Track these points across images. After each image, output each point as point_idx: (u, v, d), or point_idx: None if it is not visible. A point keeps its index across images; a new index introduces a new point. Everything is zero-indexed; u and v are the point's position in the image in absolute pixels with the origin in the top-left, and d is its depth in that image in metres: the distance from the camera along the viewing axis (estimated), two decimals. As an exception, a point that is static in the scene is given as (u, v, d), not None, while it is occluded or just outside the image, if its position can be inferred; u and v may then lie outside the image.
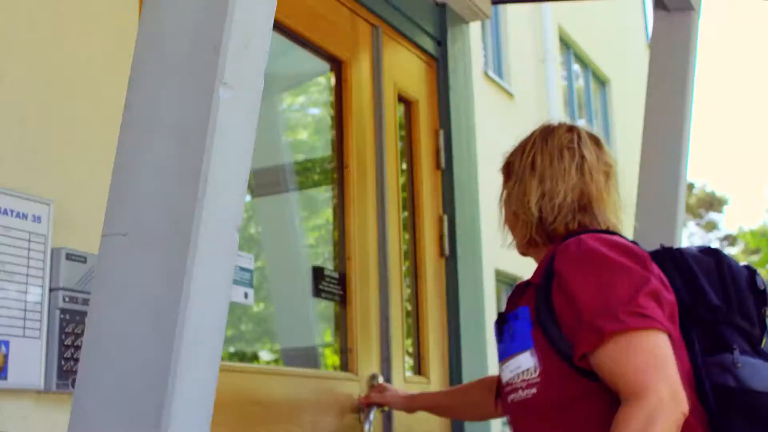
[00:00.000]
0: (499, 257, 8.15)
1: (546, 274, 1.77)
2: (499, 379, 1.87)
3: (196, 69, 1.28)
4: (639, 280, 1.66)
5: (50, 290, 1.82)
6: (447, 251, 3.32)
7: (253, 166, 1.34)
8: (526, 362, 1.74)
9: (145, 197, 1.28)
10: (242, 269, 2.44)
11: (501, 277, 8.38)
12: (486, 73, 8.63)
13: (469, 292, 3.37)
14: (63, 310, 1.83)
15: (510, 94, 9.11)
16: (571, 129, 1.94)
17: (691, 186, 24.89)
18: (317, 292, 2.77)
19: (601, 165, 1.91)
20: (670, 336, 1.64)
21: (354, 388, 2.76)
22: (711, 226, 26.42)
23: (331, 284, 2.82)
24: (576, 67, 11.53)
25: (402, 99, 3.29)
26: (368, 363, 2.85)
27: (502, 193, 1.99)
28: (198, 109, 1.26)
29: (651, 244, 2.07)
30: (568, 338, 1.68)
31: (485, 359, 3.45)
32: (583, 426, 1.69)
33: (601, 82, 12.18)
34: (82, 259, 1.88)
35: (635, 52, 12.51)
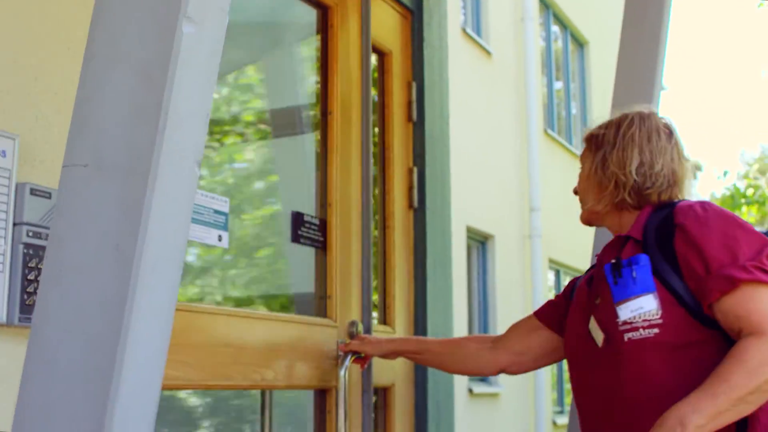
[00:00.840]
0: (471, 215, 8.20)
1: (656, 231, 1.97)
2: (604, 318, 1.98)
3: (159, 3, 1.28)
4: (760, 241, 1.89)
5: (14, 225, 1.83)
6: (416, 203, 3.34)
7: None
8: (648, 304, 1.91)
9: (106, 129, 1.29)
10: (216, 212, 2.43)
11: (472, 234, 8.43)
12: (464, 31, 8.61)
13: (437, 244, 3.40)
14: (26, 245, 1.83)
15: (488, 53, 9.10)
16: (664, 118, 2.16)
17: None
18: (296, 238, 2.77)
19: (685, 154, 2.15)
20: None
21: (332, 334, 2.78)
22: (684, 192, 26.58)
23: (311, 230, 2.82)
24: (555, 28, 11.51)
25: (376, 50, 3.29)
26: (347, 310, 2.88)
27: (590, 162, 2.14)
28: (161, 43, 1.27)
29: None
30: (692, 287, 1.89)
31: (450, 311, 3.49)
32: (696, 367, 1.86)
33: (580, 43, 12.17)
34: (46, 194, 1.88)
35: (614, 14, 12.49)
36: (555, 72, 11.47)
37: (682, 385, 1.85)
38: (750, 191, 9.06)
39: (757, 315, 1.80)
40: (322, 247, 2.86)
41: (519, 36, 9.87)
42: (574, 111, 12.01)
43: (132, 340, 1.23)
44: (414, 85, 3.43)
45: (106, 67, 1.31)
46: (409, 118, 3.40)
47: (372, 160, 3.02)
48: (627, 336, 1.93)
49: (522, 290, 9.33)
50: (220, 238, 2.46)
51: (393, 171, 3.27)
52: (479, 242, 8.73)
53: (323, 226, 2.86)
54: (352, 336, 2.80)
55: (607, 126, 2.15)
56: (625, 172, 2.05)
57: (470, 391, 7.97)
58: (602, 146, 2.12)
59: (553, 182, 10.02)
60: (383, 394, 3.11)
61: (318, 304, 2.89)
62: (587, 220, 2.19)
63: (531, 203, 9.64)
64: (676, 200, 2.07)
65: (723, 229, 1.91)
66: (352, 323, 2.83)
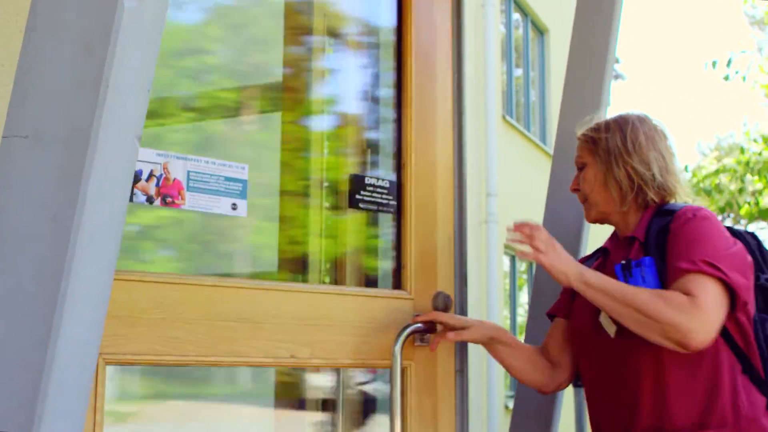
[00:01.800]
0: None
1: (656, 232, 2.11)
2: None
3: (102, -24, 1.29)
4: (726, 245, 2.04)
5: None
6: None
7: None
8: None
9: (46, 101, 1.30)
10: (228, 179, 2.28)
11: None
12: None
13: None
14: (-31, 217, 1.83)
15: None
16: (655, 120, 2.27)
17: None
18: (354, 203, 2.47)
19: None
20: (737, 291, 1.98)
21: (405, 308, 2.42)
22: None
23: (377, 193, 2.51)
24: (516, 15, 11.56)
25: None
26: (428, 282, 2.50)
27: (601, 165, 2.22)
28: (102, 16, 1.28)
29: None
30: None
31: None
32: (700, 357, 2.00)
33: (540, 31, 12.24)
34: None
35: (574, 3, 12.56)
36: (515, 59, 11.53)
37: (688, 374, 2.01)
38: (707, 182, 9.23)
39: (694, 289, 1.95)
40: (394, 211, 2.53)
41: (479, 22, 9.91)
42: (533, 98, 12.09)
43: (68, 311, 1.24)
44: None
45: (47, 39, 1.32)
46: (366, 99, 3.41)
47: (465, 113, 2.68)
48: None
49: (477, 275, 9.41)
50: (234, 207, 2.27)
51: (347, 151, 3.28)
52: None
53: (396, 189, 2.52)
54: (436, 309, 2.42)
55: (606, 129, 2.24)
56: (651, 174, 2.16)
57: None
58: (613, 150, 2.20)
59: (511, 168, 10.09)
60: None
61: (387, 276, 2.63)
62: (596, 219, 2.29)
63: (488, 189, 9.71)
64: (677, 203, 2.20)
65: (697, 230, 2.05)
66: (439, 296, 2.44)
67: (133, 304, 1.84)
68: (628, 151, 2.18)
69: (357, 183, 2.48)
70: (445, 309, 2.42)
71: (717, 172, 9.44)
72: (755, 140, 9.30)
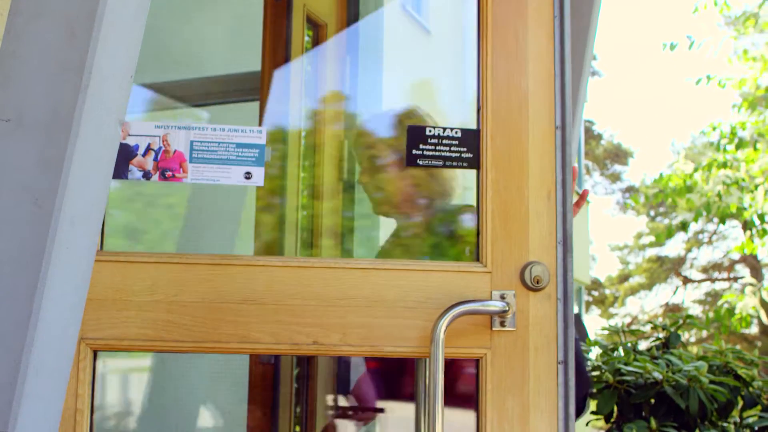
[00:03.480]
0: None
1: None
2: None
3: (87, -39, 1.29)
4: None
5: (-66, 179, 1.81)
6: (346, 175, 3.37)
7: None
8: None
9: (29, 85, 1.30)
10: (240, 145, 2.04)
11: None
12: (403, 8, 8.63)
13: (365, 216, 3.44)
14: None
15: (426, 31, 9.14)
16: None
17: (599, 137, 25.39)
18: (412, 160, 2.11)
19: None
20: None
21: (483, 282, 1.98)
22: (615, 178, 27.09)
23: (445, 146, 2.15)
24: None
25: (311, 21, 3.30)
26: (513, 251, 2.04)
27: None
28: (86, 0, 1.28)
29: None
30: None
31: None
32: None
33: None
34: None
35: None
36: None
37: None
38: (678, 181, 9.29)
39: None
40: (468, 165, 2.14)
41: (458, 16, 9.92)
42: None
43: (48, 295, 1.24)
44: (348, 59, 3.45)
45: (31, 23, 1.32)
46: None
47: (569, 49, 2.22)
48: None
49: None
50: (248, 175, 2.02)
51: (324, 144, 3.29)
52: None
53: (470, 140, 2.12)
54: (527, 286, 1.97)
55: None
56: None
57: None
58: None
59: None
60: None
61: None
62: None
63: (466, 182, 9.71)
64: None
65: None
66: (531, 269, 1.97)
67: (122, 286, 1.73)
68: None
69: (415, 136, 2.11)
70: (540, 284, 1.96)
71: (692, 174, 9.49)
72: (728, 139, 9.38)
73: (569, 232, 1.99)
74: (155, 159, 1.89)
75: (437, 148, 2.11)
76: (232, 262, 1.86)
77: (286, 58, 3.07)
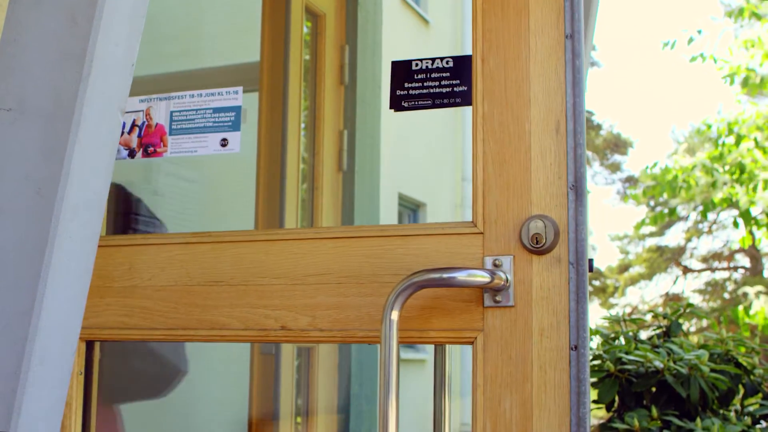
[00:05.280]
0: (404, 182, 8.25)
1: None
2: None
3: (87, -51, 1.29)
4: None
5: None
6: (345, 166, 3.37)
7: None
8: None
9: (30, 74, 1.30)
10: (217, 110, 1.85)
11: (404, 202, 8.50)
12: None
13: (364, 206, 3.44)
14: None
15: (426, 21, 9.12)
16: None
17: (598, 127, 25.37)
18: (396, 103, 1.72)
19: None
20: None
21: (469, 247, 1.51)
22: (615, 168, 27.07)
23: (434, 80, 1.70)
24: None
25: (310, 12, 3.30)
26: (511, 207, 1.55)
27: None
28: (87, -11, 1.28)
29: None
30: None
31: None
32: None
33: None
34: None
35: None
36: (492, 44, 11.54)
37: None
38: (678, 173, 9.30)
39: None
40: (461, 102, 1.68)
41: (457, 5, 9.91)
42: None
43: (51, 284, 1.24)
44: (347, 48, 3.45)
45: (32, 11, 1.32)
46: (341, 81, 3.42)
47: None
48: None
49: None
50: (224, 142, 1.83)
51: (323, 133, 3.30)
52: (411, 209, 8.79)
53: (465, 69, 1.70)
54: (529, 249, 1.49)
55: None
56: None
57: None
58: None
59: (486, 153, 10.10)
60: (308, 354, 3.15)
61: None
62: None
63: (463, 173, 9.73)
64: None
65: None
66: (533, 224, 1.50)
67: (104, 272, 1.64)
68: None
69: (400, 74, 1.71)
70: (541, 245, 1.48)
71: (693, 167, 9.49)
72: (729, 130, 9.37)
73: (583, 174, 1.48)
74: (139, 135, 1.80)
75: (425, 84, 1.70)
76: (203, 240, 1.65)
77: (285, 49, 3.07)
